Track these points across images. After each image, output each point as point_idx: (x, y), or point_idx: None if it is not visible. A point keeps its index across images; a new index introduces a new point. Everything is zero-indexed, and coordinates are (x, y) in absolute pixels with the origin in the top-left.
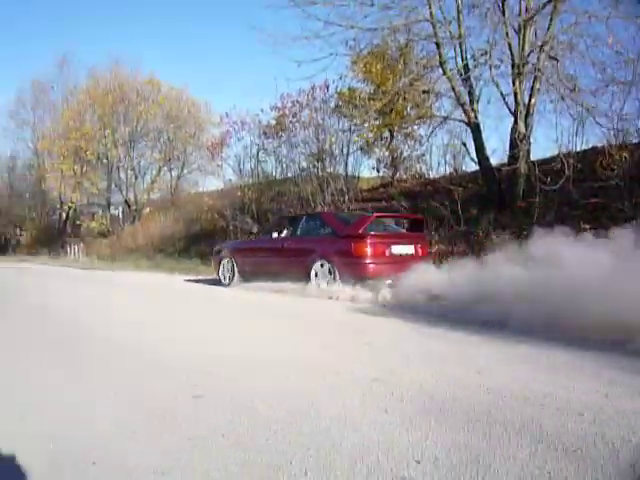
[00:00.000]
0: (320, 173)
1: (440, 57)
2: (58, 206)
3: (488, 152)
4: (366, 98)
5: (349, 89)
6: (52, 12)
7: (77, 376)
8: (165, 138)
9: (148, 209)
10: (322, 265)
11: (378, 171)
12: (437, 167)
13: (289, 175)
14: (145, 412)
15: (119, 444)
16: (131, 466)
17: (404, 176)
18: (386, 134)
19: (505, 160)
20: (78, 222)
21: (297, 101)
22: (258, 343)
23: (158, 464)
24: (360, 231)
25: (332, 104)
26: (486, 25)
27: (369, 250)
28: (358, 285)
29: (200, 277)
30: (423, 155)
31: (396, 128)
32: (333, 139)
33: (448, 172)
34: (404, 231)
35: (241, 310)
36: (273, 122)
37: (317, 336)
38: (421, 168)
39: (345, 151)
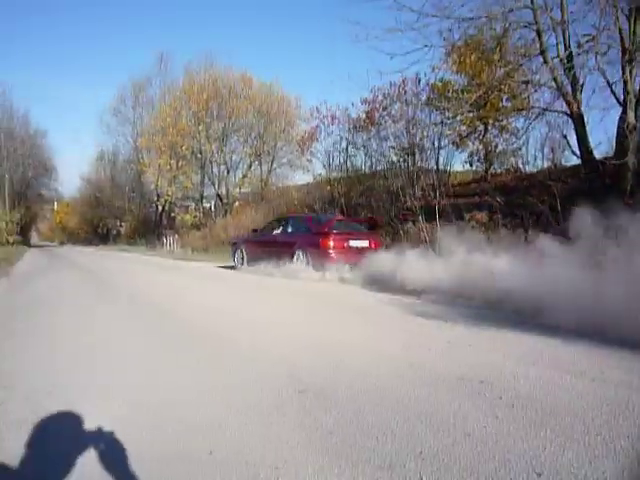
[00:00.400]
0: (410, 167)
1: (541, 45)
2: (155, 199)
3: (592, 145)
4: (460, 90)
5: (442, 81)
6: (152, 12)
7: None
8: (256, 133)
9: (238, 203)
10: (300, 254)
11: (471, 165)
12: (534, 161)
13: (378, 169)
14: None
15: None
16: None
17: (498, 170)
18: (480, 127)
19: (610, 153)
20: (173, 214)
21: (388, 94)
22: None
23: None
24: (326, 229)
25: (424, 97)
26: (592, 9)
27: (331, 243)
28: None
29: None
30: (519, 148)
31: (490, 121)
32: (424, 133)
33: (546, 166)
34: (363, 229)
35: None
36: (363, 116)
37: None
38: (517, 162)
39: (436, 145)
